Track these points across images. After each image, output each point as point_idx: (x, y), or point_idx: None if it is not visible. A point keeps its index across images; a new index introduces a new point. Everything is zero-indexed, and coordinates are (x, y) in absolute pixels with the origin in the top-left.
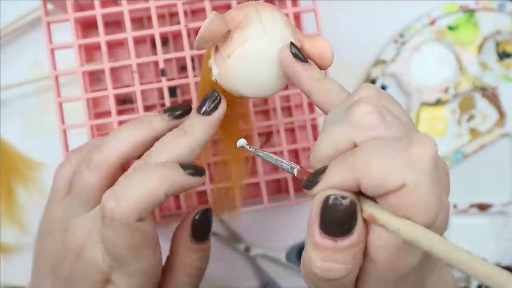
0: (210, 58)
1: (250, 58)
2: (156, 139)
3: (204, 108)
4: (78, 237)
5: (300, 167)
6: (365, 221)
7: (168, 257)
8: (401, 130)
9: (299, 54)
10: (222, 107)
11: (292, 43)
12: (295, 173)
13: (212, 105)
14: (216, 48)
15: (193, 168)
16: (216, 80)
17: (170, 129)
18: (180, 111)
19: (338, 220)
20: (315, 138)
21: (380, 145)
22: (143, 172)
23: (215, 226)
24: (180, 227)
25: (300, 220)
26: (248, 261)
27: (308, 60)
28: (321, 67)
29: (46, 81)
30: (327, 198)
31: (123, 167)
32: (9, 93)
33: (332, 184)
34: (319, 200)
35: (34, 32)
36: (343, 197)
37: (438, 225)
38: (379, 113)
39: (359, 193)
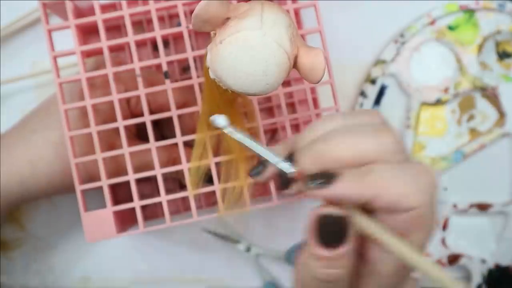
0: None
1: (240, 47)
2: None
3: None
4: None
5: (295, 168)
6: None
7: None
8: (408, 160)
9: (321, 180)
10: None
11: (312, 176)
12: (291, 172)
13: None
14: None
15: None
16: (208, 68)
17: None
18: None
19: (333, 233)
20: None
21: (396, 169)
22: None
23: (216, 226)
24: None
25: (301, 220)
26: (249, 261)
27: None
28: (311, 80)
29: (45, 78)
30: (323, 214)
31: None
32: (9, 90)
33: (343, 196)
34: (317, 215)
35: (33, 32)
36: (338, 214)
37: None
38: (401, 143)
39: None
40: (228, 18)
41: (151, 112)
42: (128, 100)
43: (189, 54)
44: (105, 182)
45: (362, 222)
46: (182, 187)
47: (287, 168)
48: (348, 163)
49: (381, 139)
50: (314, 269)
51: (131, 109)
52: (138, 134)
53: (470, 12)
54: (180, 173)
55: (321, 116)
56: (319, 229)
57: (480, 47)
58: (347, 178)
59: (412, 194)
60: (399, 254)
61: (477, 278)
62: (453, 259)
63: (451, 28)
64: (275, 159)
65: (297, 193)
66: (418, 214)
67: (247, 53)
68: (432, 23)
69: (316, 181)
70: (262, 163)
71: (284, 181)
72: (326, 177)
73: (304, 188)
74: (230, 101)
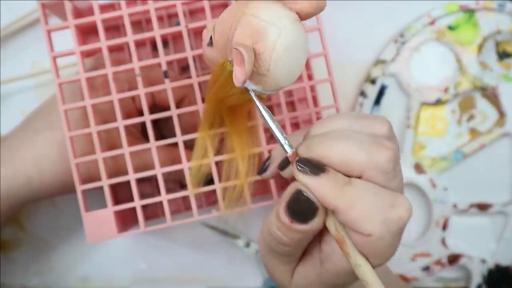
0: (223, 70)
1: (285, 55)
2: None
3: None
4: None
5: (296, 151)
6: (325, 226)
7: None
8: (398, 184)
9: (307, 167)
10: None
11: (299, 159)
12: (288, 153)
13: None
14: None
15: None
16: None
17: None
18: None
19: (300, 210)
20: None
21: (373, 192)
22: None
23: (217, 223)
24: None
25: None
26: (249, 259)
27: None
28: (322, 8)
29: (45, 77)
30: (302, 191)
31: None
32: (9, 90)
33: (318, 192)
34: (295, 188)
35: (33, 32)
36: (313, 200)
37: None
38: (395, 162)
39: None
40: (253, 49)
41: (155, 106)
42: (133, 97)
43: (189, 54)
44: (105, 182)
45: (331, 219)
46: (183, 187)
47: (288, 148)
48: (334, 167)
49: (374, 155)
50: (271, 226)
51: (137, 105)
52: (143, 132)
53: (470, 12)
54: (181, 173)
55: (337, 111)
56: (292, 199)
57: (480, 47)
58: (329, 179)
59: (372, 222)
60: (353, 264)
61: (477, 278)
62: (453, 259)
63: (451, 28)
64: (281, 137)
65: (291, 177)
66: (371, 242)
67: (291, 54)
68: (432, 23)
69: (303, 167)
70: (268, 159)
71: (283, 162)
72: (313, 167)
73: (293, 170)
74: (235, 101)
